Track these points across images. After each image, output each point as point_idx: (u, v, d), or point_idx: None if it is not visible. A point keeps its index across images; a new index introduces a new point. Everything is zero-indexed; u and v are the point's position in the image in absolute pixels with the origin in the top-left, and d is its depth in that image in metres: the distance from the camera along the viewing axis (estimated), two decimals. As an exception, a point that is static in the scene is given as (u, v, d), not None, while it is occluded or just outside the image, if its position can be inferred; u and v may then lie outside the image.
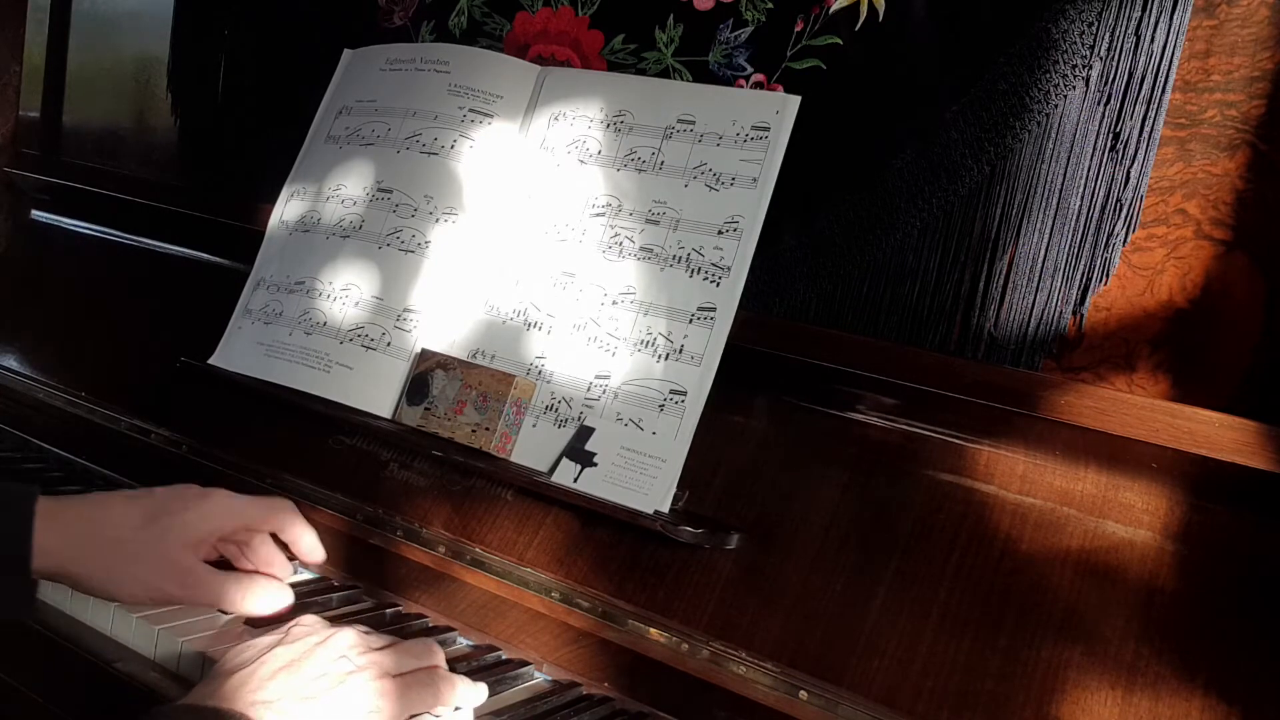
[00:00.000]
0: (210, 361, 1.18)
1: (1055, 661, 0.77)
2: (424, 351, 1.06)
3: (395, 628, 0.95)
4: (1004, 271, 0.91)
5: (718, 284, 0.96)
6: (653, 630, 0.89)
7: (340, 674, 0.73)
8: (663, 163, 1.02)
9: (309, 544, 0.94)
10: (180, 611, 0.91)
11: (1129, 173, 0.86)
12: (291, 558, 0.96)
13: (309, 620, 0.79)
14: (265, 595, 0.88)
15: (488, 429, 0.99)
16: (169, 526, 0.84)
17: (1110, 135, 0.87)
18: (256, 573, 0.92)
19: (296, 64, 1.36)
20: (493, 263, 1.08)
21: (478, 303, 1.07)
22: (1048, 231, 0.89)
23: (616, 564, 0.93)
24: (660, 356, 0.96)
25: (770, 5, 1.04)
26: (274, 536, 0.95)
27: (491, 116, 1.12)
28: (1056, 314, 0.89)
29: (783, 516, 0.90)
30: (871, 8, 0.99)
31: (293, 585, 1.01)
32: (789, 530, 0.89)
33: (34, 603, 0.82)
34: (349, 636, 0.77)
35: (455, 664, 0.88)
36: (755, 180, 0.97)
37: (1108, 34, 0.86)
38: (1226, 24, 0.84)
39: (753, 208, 0.96)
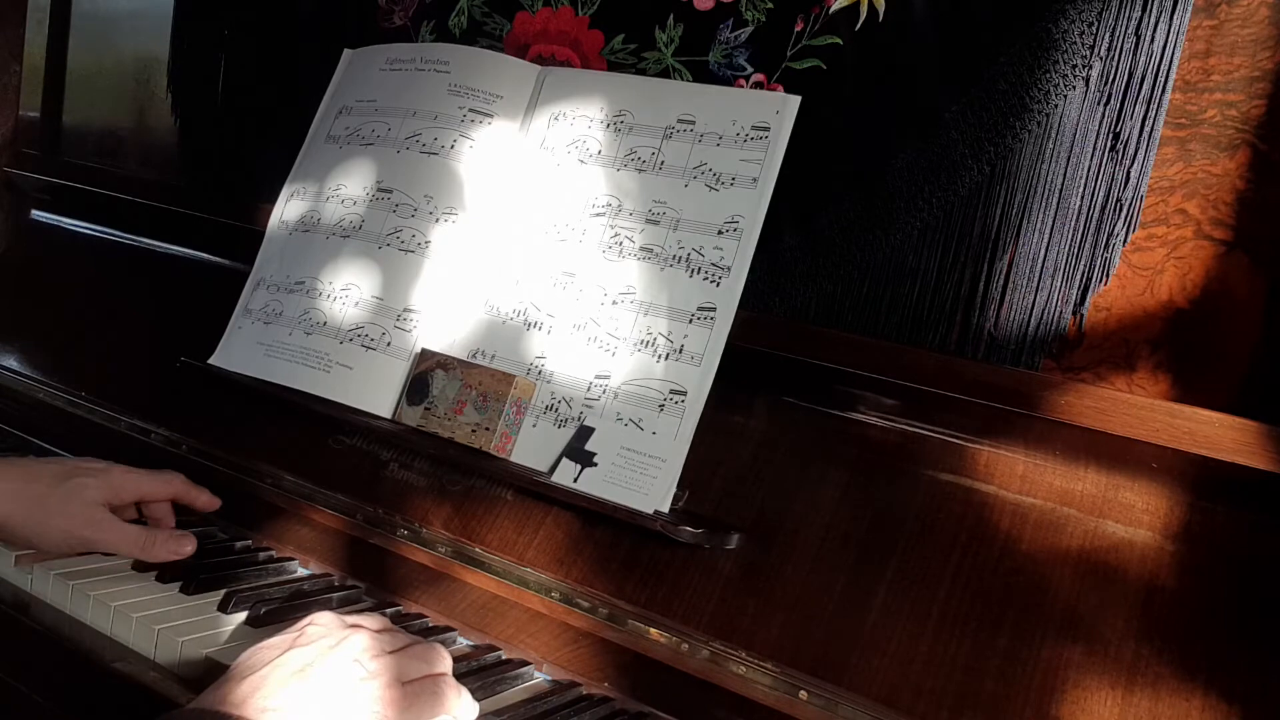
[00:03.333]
0: (210, 361, 1.18)
1: (1055, 661, 0.77)
2: (424, 351, 1.06)
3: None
4: (1004, 271, 0.91)
5: (718, 284, 0.96)
6: (653, 630, 0.89)
7: (352, 681, 0.73)
8: (663, 163, 1.02)
9: (205, 499, 1.09)
10: (180, 612, 0.91)
11: (1129, 173, 0.86)
12: (195, 514, 1.09)
13: (325, 619, 0.79)
14: (169, 543, 0.99)
15: (488, 429, 0.99)
16: (83, 484, 0.99)
17: (1110, 135, 0.87)
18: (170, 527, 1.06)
19: (296, 64, 1.36)
20: (493, 263, 1.08)
21: (478, 303, 1.07)
22: (1048, 231, 0.89)
23: (616, 564, 0.93)
24: (660, 356, 0.96)
25: (770, 5, 1.04)
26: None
27: (491, 116, 1.12)
28: (1056, 314, 0.89)
29: (783, 516, 0.90)
30: (871, 8, 0.99)
31: (293, 583, 1.02)
32: (789, 530, 0.89)
33: None
34: (362, 640, 0.77)
35: (455, 664, 0.88)
36: (755, 180, 0.97)
37: (1108, 34, 0.86)
38: (1226, 24, 0.84)
39: (753, 208, 0.96)
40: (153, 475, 1.06)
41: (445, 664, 0.81)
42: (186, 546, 1.00)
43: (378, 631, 0.80)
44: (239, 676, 0.72)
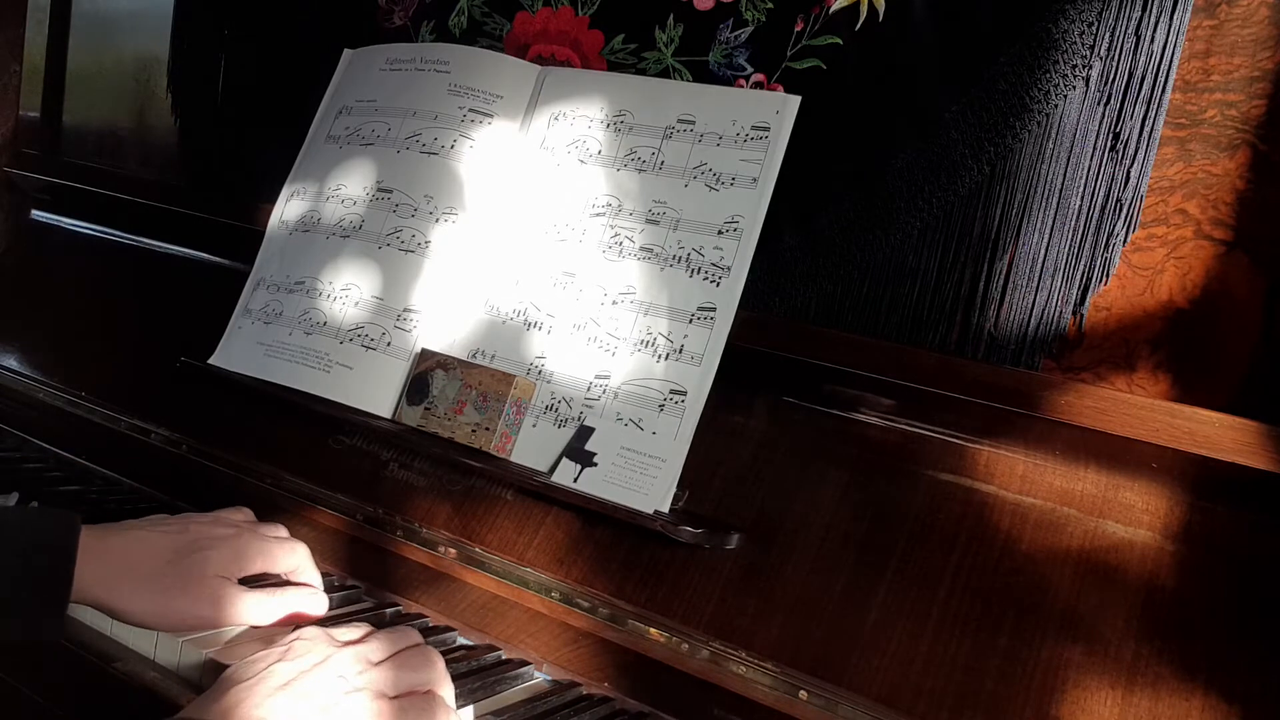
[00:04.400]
0: (210, 361, 1.18)
1: (1055, 661, 0.77)
2: (424, 351, 1.06)
3: (396, 628, 0.95)
4: (1004, 271, 0.91)
5: (718, 284, 0.96)
6: (653, 630, 0.89)
7: (337, 695, 0.74)
8: (663, 163, 1.02)
9: (316, 603, 0.95)
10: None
11: (1129, 173, 0.86)
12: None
13: (311, 633, 0.79)
14: (297, 605, 0.91)
15: (488, 429, 0.99)
16: (202, 560, 0.89)
17: (1110, 135, 0.87)
18: (286, 584, 0.95)
19: (296, 64, 1.36)
20: (493, 263, 1.08)
21: (478, 303, 1.07)
22: (1048, 231, 0.89)
23: (616, 564, 0.93)
24: (660, 356, 0.96)
25: (770, 5, 1.04)
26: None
27: (491, 116, 1.12)
28: (1056, 314, 0.89)
29: (783, 516, 0.90)
30: (871, 8, 0.99)
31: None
32: (789, 530, 0.89)
33: (64, 629, 0.85)
34: (349, 653, 0.77)
35: (455, 664, 0.88)
36: (755, 180, 0.97)
37: (1108, 34, 0.86)
38: (1226, 24, 0.84)
39: (753, 208, 0.96)
40: (281, 546, 0.95)
41: (437, 668, 0.80)
42: (321, 606, 0.92)
43: (364, 641, 0.80)
44: (224, 689, 0.73)
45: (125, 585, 0.85)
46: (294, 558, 0.96)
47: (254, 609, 0.89)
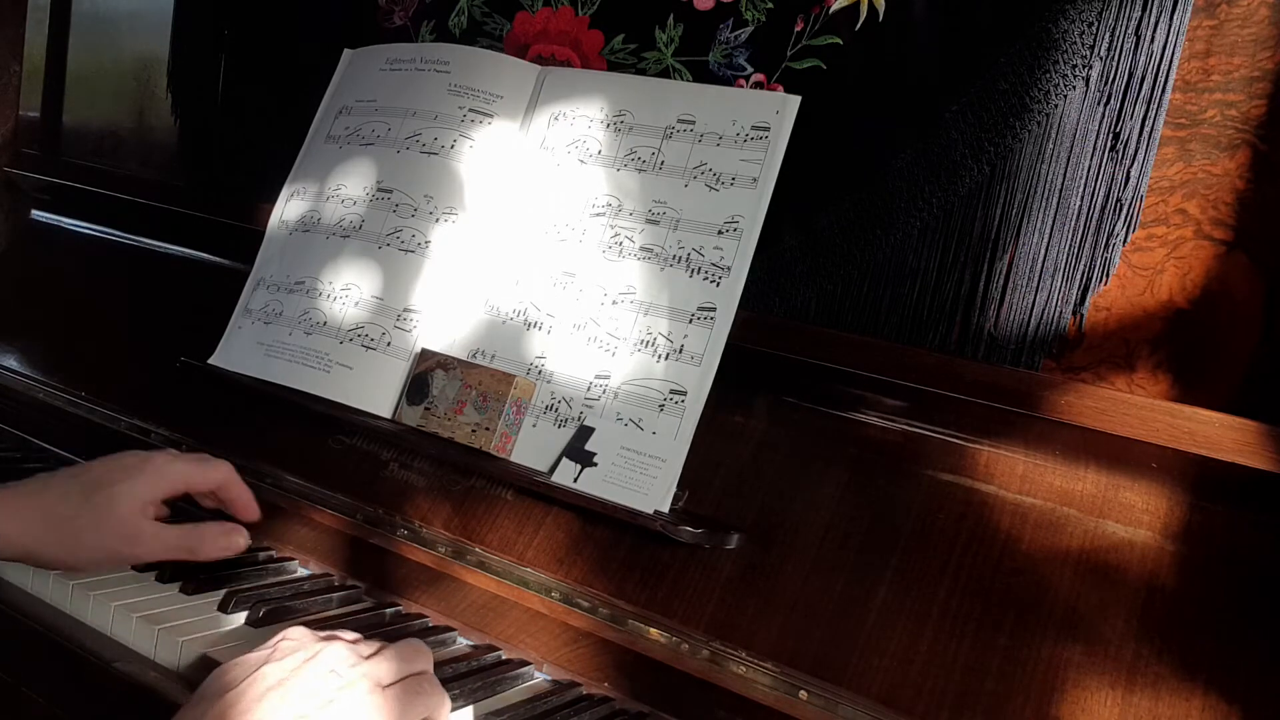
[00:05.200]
0: (210, 361, 1.18)
1: (1055, 661, 0.77)
2: (424, 351, 1.06)
3: (395, 627, 0.95)
4: (1004, 271, 0.91)
5: (718, 284, 0.96)
6: (653, 630, 0.89)
7: (330, 691, 0.72)
8: (663, 163, 1.02)
9: (244, 501, 1.00)
10: (180, 612, 0.91)
11: (1129, 173, 0.86)
12: (229, 516, 1.00)
13: (297, 633, 0.78)
14: (219, 540, 0.94)
15: (488, 429, 0.99)
16: (112, 496, 0.90)
17: (1110, 135, 0.87)
18: (210, 521, 0.97)
19: (296, 64, 1.36)
20: (493, 263, 1.08)
21: (478, 303, 1.07)
22: (1048, 231, 0.89)
23: (616, 564, 0.93)
24: (660, 356, 0.96)
25: (770, 5, 1.04)
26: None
27: (491, 116, 1.12)
28: (1056, 314, 0.89)
29: (783, 516, 0.90)
30: (871, 8, 0.99)
31: (293, 583, 1.02)
32: (789, 530, 0.89)
33: None
34: (337, 649, 0.76)
35: (455, 664, 0.88)
36: (755, 180, 0.97)
37: (1108, 34, 0.86)
38: (1226, 24, 0.84)
39: (753, 208, 0.96)
40: (200, 462, 0.98)
41: (425, 660, 0.80)
42: (238, 540, 0.94)
43: (353, 641, 0.79)
44: (213, 695, 0.71)
45: (41, 535, 0.87)
46: (216, 473, 0.97)
47: (170, 546, 0.91)
